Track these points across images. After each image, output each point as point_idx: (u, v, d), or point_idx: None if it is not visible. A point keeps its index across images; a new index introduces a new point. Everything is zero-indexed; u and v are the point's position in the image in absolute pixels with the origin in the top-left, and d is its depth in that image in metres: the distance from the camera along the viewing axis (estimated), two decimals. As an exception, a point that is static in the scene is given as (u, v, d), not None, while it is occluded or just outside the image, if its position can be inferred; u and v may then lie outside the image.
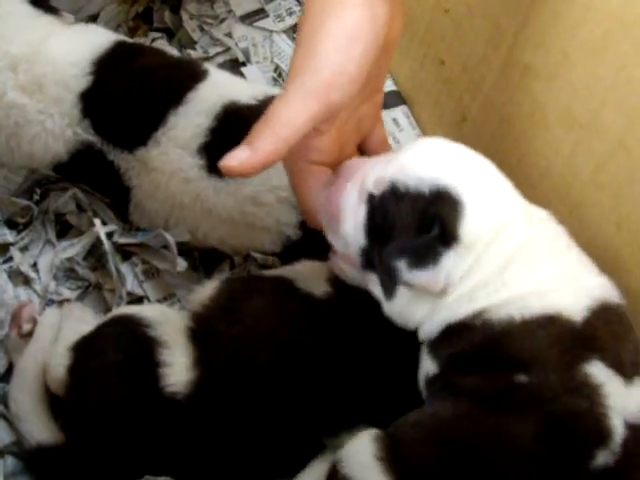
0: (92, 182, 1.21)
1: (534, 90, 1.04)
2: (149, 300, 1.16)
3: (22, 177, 1.22)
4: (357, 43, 0.82)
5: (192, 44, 1.37)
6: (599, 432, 0.80)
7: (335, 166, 0.92)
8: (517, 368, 0.82)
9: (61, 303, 1.14)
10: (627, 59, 0.90)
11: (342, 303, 0.98)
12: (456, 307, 0.86)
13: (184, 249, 1.15)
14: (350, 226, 0.89)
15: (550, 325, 0.83)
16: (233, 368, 0.95)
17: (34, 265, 1.19)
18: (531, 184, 0.99)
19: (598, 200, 0.95)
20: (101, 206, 1.21)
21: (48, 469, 1.02)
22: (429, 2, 1.20)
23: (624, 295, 0.88)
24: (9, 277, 1.18)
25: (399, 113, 1.30)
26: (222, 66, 1.35)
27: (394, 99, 1.31)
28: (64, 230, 1.22)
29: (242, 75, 1.34)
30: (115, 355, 0.97)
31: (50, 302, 1.16)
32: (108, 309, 1.14)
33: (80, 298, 1.17)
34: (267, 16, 1.40)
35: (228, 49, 1.37)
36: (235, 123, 1.12)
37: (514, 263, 0.85)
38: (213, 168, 1.11)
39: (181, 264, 1.13)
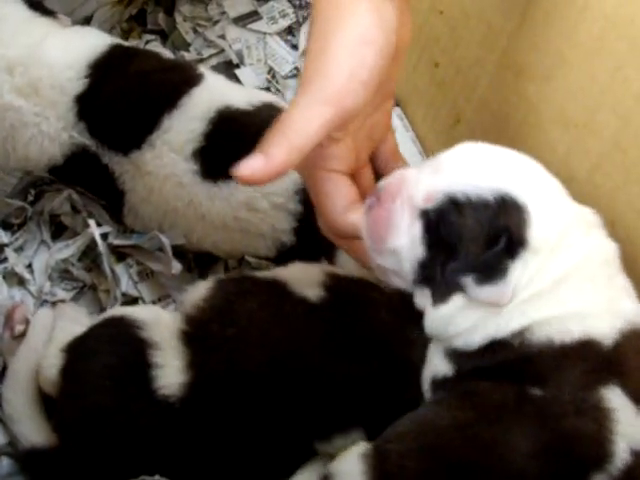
0: (87, 185, 1.21)
1: (529, 91, 1.04)
2: (144, 301, 1.16)
3: (17, 178, 1.22)
4: (369, 48, 0.81)
5: (186, 46, 1.37)
6: (599, 455, 0.80)
7: (352, 174, 0.91)
8: (534, 381, 0.82)
9: (55, 304, 1.14)
10: (623, 60, 0.91)
11: (335, 306, 0.98)
12: (506, 321, 0.84)
13: (179, 251, 1.15)
14: (404, 243, 0.85)
15: (582, 349, 0.83)
16: (226, 371, 0.95)
17: (29, 266, 1.19)
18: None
19: (594, 199, 0.95)
20: (96, 207, 1.21)
21: (42, 471, 1.02)
22: (423, 4, 1.20)
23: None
24: (4, 278, 1.18)
25: (393, 115, 1.29)
26: (216, 68, 1.35)
27: (388, 101, 1.31)
28: (59, 231, 1.22)
29: (236, 77, 1.35)
30: (107, 357, 0.97)
31: (45, 303, 1.16)
32: (103, 310, 1.14)
33: (75, 299, 1.17)
34: (260, 18, 1.40)
35: (222, 51, 1.37)
36: (229, 128, 1.12)
37: (571, 280, 0.84)
38: (207, 173, 1.12)
39: (176, 267, 1.14)
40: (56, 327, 1.07)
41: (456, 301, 0.85)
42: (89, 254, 1.19)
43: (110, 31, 1.34)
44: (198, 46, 1.37)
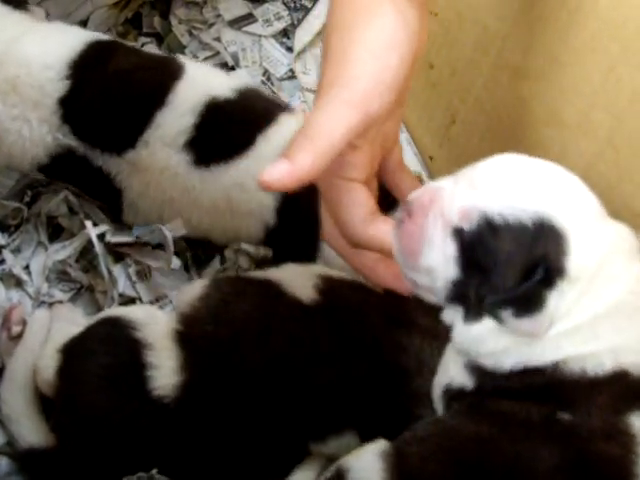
0: (81, 185, 1.21)
1: (523, 92, 1.05)
2: (141, 301, 1.16)
3: (13, 180, 1.22)
4: (393, 51, 0.79)
5: (181, 49, 1.38)
6: (625, 476, 0.80)
7: (367, 182, 0.87)
8: (564, 406, 0.81)
9: (53, 305, 1.14)
10: (615, 60, 0.91)
11: (327, 309, 0.98)
12: (541, 352, 0.81)
13: (176, 250, 1.16)
14: (437, 261, 0.81)
15: (613, 379, 0.81)
16: (220, 372, 0.95)
17: (26, 267, 1.19)
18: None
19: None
20: (92, 208, 1.22)
21: (40, 471, 1.02)
22: (418, 5, 1.20)
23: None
24: (1, 280, 1.18)
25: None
26: (211, 70, 1.36)
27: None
28: (56, 232, 1.22)
29: (231, 79, 1.35)
30: (103, 357, 0.97)
31: (42, 304, 1.16)
32: (100, 310, 1.14)
33: (72, 300, 1.17)
34: (256, 21, 1.41)
35: (217, 53, 1.38)
36: (217, 117, 1.15)
37: (609, 317, 0.80)
38: (200, 161, 1.15)
39: (175, 262, 1.14)
40: (53, 328, 1.07)
41: (489, 322, 0.82)
42: (86, 255, 1.19)
43: (106, 34, 1.34)
44: (193, 48, 1.38)
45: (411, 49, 0.81)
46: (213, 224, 1.17)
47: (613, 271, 0.80)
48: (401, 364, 0.95)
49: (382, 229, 0.84)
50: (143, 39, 1.37)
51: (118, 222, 1.21)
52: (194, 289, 1.01)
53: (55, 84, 1.14)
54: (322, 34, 1.37)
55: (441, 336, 0.94)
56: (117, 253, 1.19)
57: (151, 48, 1.36)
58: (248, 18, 1.41)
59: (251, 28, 1.41)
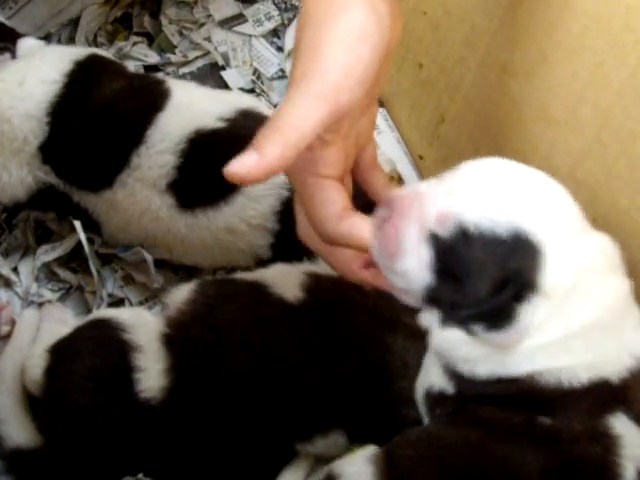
0: (62, 215, 1.20)
1: (511, 89, 1.05)
2: (130, 302, 1.16)
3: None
4: (365, 44, 0.78)
5: (172, 48, 1.37)
6: (609, 477, 0.80)
7: (341, 179, 0.86)
8: (543, 411, 0.82)
9: (42, 305, 1.14)
10: (603, 57, 0.91)
11: (314, 309, 0.98)
12: (514, 363, 0.81)
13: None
14: (412, 265, 0.80)
15: (592, 389, 0.81)
16: (206, 375, 0.95)
17: (15, 269, 1.19)
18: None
19: (576, 196, 0.95)
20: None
21: (27, 471, 1.02)
22: (407, 4, 1.20)
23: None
24: (-11, 280, 1.18)
25: (377, 116, 1.30)
26: (201, 70, 1.36)
27: (373, 102, 1.32)
28: (45, 236, 1.22)
29: (222, 79, 1.35)
30: (91, 359, 0.98)
31: (32, 304, 1.16)
32: (89, 311, 1.14)
33: (61, 300, 1.17)
34: (246, 21, 1.41)
35: (207, 53, 1.37)
36: (202, 156, 1.10)
37: (585, 333, 0.80)
38: (183, 206, 1.10)
39: (158, 280, 1.14)
40: (42, 328, 1.07)
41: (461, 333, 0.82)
42: (75, 257, 1.19)
43: (97, 32, 1.34)
44: (184, 48, 1.38)
45: (383, 42, 0.80)
46: (198, 258, 1.15)
47: (589, 289, 0.80)
48: (386, 363, 0.95)
49: (356, 225, 0.83)
50: (134, 38, 1.37)
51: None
52: (181, 293, 1.01)
53: (37, 132, 1.12)
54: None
55: (424, 337, 0.95)
56: (105, 256, 1.19)
57: (142, 48, 1.36)
58: (238, 18, 1.41)
59: (241, 28, 1.40)
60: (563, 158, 0.98)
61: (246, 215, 1.11)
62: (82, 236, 1.13)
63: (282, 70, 1.37)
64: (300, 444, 0.97)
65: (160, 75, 1.31)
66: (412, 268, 0.80)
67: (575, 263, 0.79)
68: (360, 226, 0.83)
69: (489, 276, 0.77)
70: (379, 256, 0.82)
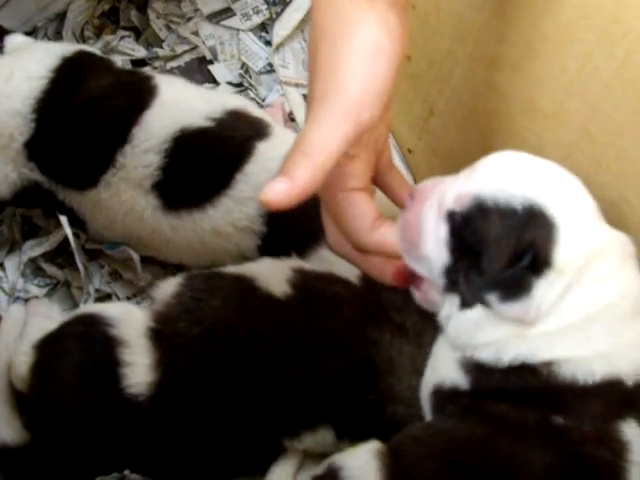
0: (47, 212, 1.19)
1: (499, 83, 1.04)
2: (117, 297, 1.15)
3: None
4: (380, 58, 0.79)
5: (159, 42, 1.37)
6: None
7: (370, 189, 0.88)
8: (557, 410, 0.82)
9: (29, 300, 1.14)
10: (591, 49, 0.91)
11: (300, 304, 0.98)
12: (535, 347, 0.82)
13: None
14: (431, 246, 0.83)
15: (606, 389, 0.82)
16: (193, 369, 0.95)
17: (1, 264, 1.18)
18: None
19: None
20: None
21: (13, 468, 1.01)
22: (395, -2, 1.20)
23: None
24: (-25, 276, 1.17)
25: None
26: (189, 64, 1.36)
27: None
28: (32, 231, 1.21)
29: (209, 73, 1.35)
30: (78, 354, 0.97)
31: (18, 300, 1.15)
32: (76, 306, 1.14)
33: (48, 295, 1.17)
34: (234, 15, 1.40)
35: (195, 47, 1.37)
36: (188, 157, 1.09)
37: (602, 318, 0.81)
38: (168, 207, 1.09)
39: (145, 278, 1.14)
40: (28, 323, 1.07)
41: (482, 310, 0.82)
42: (62, 252, 1.18)
43: (84, 27, 1.33)
44: (171, 42, 1.37)
45: (396, 54, 0.81)
46: (184, 259, 1.15)
47: (604, 271, 0.81)
48: (372, 360, 0.95)
49: (387, 234, 0.84)
50: (122, 32, 1.36)
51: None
52: (168, 287, 1.01)
53: (22, 129, 1.10)
54: (300, 30, 1.37)
55: (409, 334, 0.95)
56: (91, 251, 1.19)
57: (129, 42, 1.35)
58: (226, 12, 1.41)
59: (229, 22, 1.40)
60: (551, 151, 0.98)
61: (232, 218, 1.10)
62: (68, 231, 1.12)
63: (270, 64, 1.37)
64: (288, 440, 0.96)
65: (147, 70, 1.30)
66: (431, 249, 0.82)
67: (588, 243, 0.80)
68: (392, 234, 0.84)
69: (505, 247, 0.79)
70: (402, 246, 0.84)
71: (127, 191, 1.09)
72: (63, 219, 1.13)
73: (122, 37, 1.36)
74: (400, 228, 0.84)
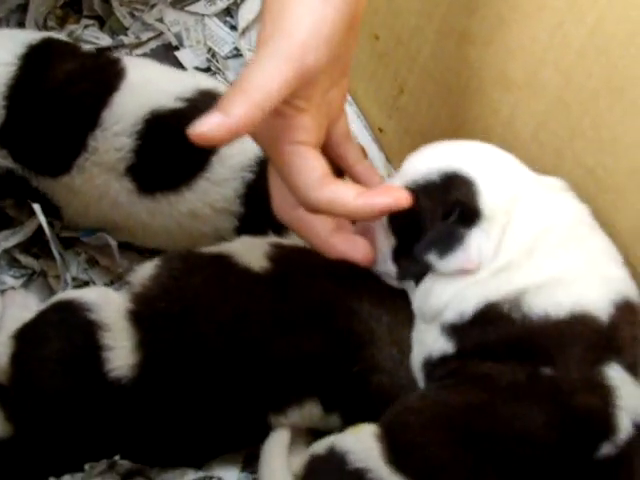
0: (21, 201, 1.17)
1: (470, 56, 1.05)
2: (95, 284, 1.15)
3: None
4: (330, 4, 0.79)
5: (124, 30, 1.35)
6: (607, 428, 0.82)
7: (317, 147, 0.86)
8: (544, 361, 0.83)
9: (5, 292, 1.12)
10: (562, 17, 0.92)
11: (280, 277, 0.98)
12: (494, 287, 0.86)
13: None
14: (381, 237, 0.92)
15: (580, 324, 0.84)
16: (174, 348, 0.94)
17: (-25, 256, 1.17)
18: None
19: (540, 158, 0.96)
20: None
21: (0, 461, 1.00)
22: (361, -24, 1.20)
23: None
24: (-51, 269, 1.15)
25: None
26: (155, 51, 1.34)
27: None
28: (4, 222, 1.19)
29: (176, 59, 1.34)
30: (57, 341, 0.96)
31: (-5, 291, 1.14)
32: (54, 295, 1.11)
33: (25, 286, 1.15)
34: (198, 0, 1.39)
35: (160, 34, 1.35)
36: (160, 138, 1.08)
37: (540, 246, 0.87)
38: (143, 190, 1.08)
39: (122, 264, 1.13)
40: (5, 315, 1.05)
41: (432, 277, 0.89)
42: (36, 242, 1.17)
43: (47, 17, 1.32)
44: (136, 30, 1.35)
45: (348, 5, 0.81)
46: (162, 243, 1.13)
47: (531, 206, 0.88)
48: (354, 330, 0.95)
49: (339, 191, 0.83)
50: (85, 21, 1.34)
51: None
52: (145, 269, 1.00)
53: None
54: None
55: (386, 304, 0.95)
56: (67, 239, 1.17)
57: (93, 31, 1.33)
58: (190, -3, 1.40)
59: (194, 7, 1.38)
60: (526, 121, 0.99)
61: (210, 199, 1.09)
62: (42, 219, 1.11)
63: (237, 49, 1.36)
64: (274, 416, 0.96)
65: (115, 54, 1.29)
66: (381, 240, 0.92)
67: (509, 188, 0.89)
68: (343, 192, 0.84)
69: (435, 213, 0.88)
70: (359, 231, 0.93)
71: (100, 175, 1.08)
72: (37, 207, 1.11)
73: (86, 26, 1.34)
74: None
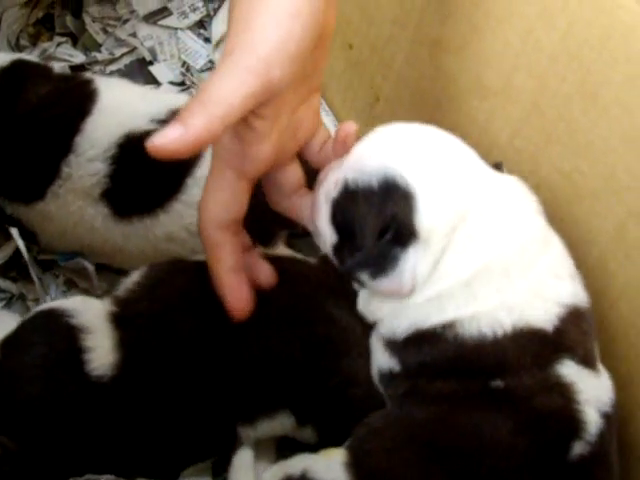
0: None
1: (444, 63, 1.05)
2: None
3: None
4: (297, 21, 0.77)
5: (97, 47, 1.35)
6: (574, 425, 0.81)
7: (254, 180, 0.88)
8: (492, 375, 0.82)
9: (-16, 317, 1.11)
10: (533, 23, 0.92)
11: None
12: (425, 313, 0.83)
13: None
14: (323, 227, 0.87)
15: (521, 337, 0.82)
16: (153, 347, 0.94)
17: (-47, 282, 1.16)
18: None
19: (517, 164, 0.96)
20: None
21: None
22: (333, -14, 1.19)
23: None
24: None
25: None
26: (129, 67, 1.34)
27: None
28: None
29: (150, 74, 1.33)
30: (40, 347, 0.95)
31: (-26, 317, 1.13)
32: (33, 317, 1.11)
33: (4, 310, 1.14)
34: (171, 14, 1.39)
35: (134, 49, 1.35)
36: (134, 162, 1.06)
37: (481, 276, 0.82)
38: (119, 215, 1.07)
39: (101, 286, 1.12)
40: None
41: (367, 292, 0.88)
42: (14, 265, 1.16)
43: (19, 35, 1.31)
44: (109, 46, 1.35)
45: (315, 22, 0.79)
46: (139, 265, 1.11)
47: (472, 232, 0.82)
48: (332, 339, 0.94)
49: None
50: (58, 39, 1.34)
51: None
52: (131, 278, 1.00)
53: None
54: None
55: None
56: (45, 262, 1.17)
57: (66, 48, 1.33)
58: (163, 12, 1.39)
59: (166, 21, 1.38)
60: (502, 127, 0.98)
61: (185, 222, 1.07)
62: (20, 243, 1.10)
63: (211, 61, 1.36)
64: (243, 426, 0.95)
65: (88, 75, 1.28)
66: (323, 230, 0.87)
67: (452, 206, 0.81)
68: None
69: (372, 224, 0.81)
70: (307, 218, 0.90)
71: (75, 201, 1.07)
72: (14, 231, 1.10)
73: (59, 43, 1.33)
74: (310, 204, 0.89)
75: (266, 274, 0.92)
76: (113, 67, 1.34)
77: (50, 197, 1.07)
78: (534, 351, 0.82)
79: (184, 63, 1.35)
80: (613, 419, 0.84)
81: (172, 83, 1.33)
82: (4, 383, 0.96)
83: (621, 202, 0.87)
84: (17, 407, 0.95)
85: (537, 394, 0.81)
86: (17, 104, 1.08)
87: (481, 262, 0.82)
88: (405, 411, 0.86)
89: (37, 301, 1.13)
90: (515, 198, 0.86)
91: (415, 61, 1.10)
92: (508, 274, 0.82)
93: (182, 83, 1.34)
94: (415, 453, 0.82)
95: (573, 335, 0.83)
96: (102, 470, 0.94)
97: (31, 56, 1.24)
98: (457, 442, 0.82)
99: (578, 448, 0.80)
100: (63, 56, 1.32)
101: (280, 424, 0.95)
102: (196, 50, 1.36)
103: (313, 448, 0.93)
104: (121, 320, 0.95)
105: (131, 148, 1.06)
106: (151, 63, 1.35)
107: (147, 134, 1.01)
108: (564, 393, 0.81)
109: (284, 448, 1.00)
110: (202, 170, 1.06)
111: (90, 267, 1.12)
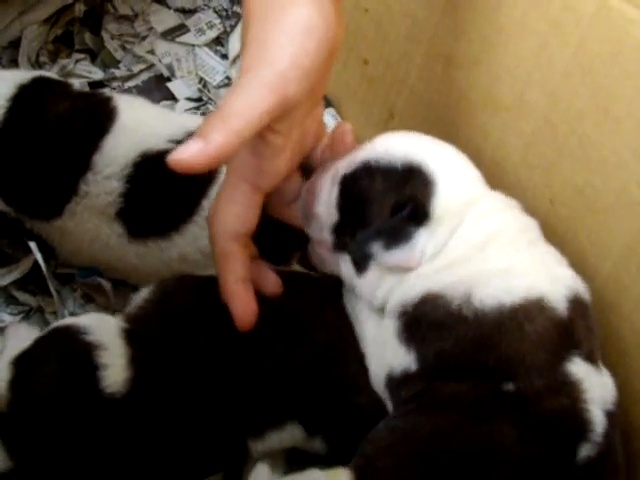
0: (15, 240, 1.17)
1: (458, 79, 1.05)
2: (93, 318, 1.14)
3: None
4: (311, 37, 0.80)
5: (115, 63, 1.36)
6: (581, 425, 0.81)
7: (265, 191, 0.90)
8: (505, 377, 0.82)
9: (5, 328, 1.12)
10: (545, 39, 0.92)
11: (268, 300, 0.98)
12: (436, 276, 0.86)
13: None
14: (323, 206, 0.91)
15: (539, 317, 0.83)
16: (164, 362, 0.94)
17: (-28, 296, 1.17)
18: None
19: (530, 179, 0.97)
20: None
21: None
22: (348, 2, 1.21)
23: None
24: (-53, 307, 1.16)
25: (327, 116, 1.31)
26: (147, 83, 1.35)
27: (321, 103, 1.32)
28: (1, 260, 1.19)
29: (168, 90, 1.35)
30: (55, 364, 0.95)
31: (-7, 329, 1.14)
32: (52, 330, 1.12)
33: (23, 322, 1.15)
34: (188, 31, 1.40)
35: (152, 65, 1.37)
36: (151, 182, 1.07)
37: (491, 244, 0.86)
38: (133, 235, 1.08)
39: (118, 303, 1.12)
40: (7, 346, 1.05)
41: (375, 268, 0.88)
42: (33, 279, 1.17)
43: (39, 52, 1.33)
44: (128, 62, 1.37)
45: (328, 38, 0.82)
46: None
47: (485, 212, 0.88)
48: (333, 346, 0.95)
49: None
50: (77, 55, 1.35)
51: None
52: (141, 294, 1.01)
53: None
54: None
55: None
56: (63, 276, 1.18)
57: (85, 65, 1.35)
58: (180, 29, 1.41)
59: (184, 38, 1.40)
60: (515, 143, 0.99)
61: (199, 244, 1.08)
62: (39, 257, 1.11)
63: (228, 77, 1.37)
64: (253, 440, 0.96)
65: (107, 91, 1.29)
66: (323, 209, 0.91)
67: (466, 193, 0.88)
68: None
69: (387, 201, 0.87)
70: (301, 212, 0.93)
71: (91, 219, 1.08)
72: (33, 245, 1.11)
73: (78, 60, 1.35)
74: (302, 194, 0.93)
75: (272, 284, 0.94)
76: (131, 83, 1.35)
77: (67, 214, 1.08)
78: (549, 345, 0.82)
79: (201, 79, 1.36)
80: (616, 418, 0.84)
81: (189, 99, 1.34)
82: (18, 398, 0.96)
83: (633, 216, 0.88)
84: (31, 422, 0.96)
85: (546, 396, 0.81)
86: (36, 121, 1.09)
87: (489, 234, 0.87)
88: (410, 424, 0.86)
89: (55, 314, 1.14)
90: (515, 204, 0.91)
91: (429, 77, 1.11)
92: (514, 244, 0.87)
93: (199, 99, 1.35)
94: (423, 469, 0.83)
95: (580, 330, 0.84)
96: None
97: (50, 72, 1.26)
98: (465, 453, 0.82)
99: (585, 450, 0.81)
100: (82, 72, 1.34)
101: (290, 435, 0.96)
102: (213, 66, 1.38)
103: (323, 459, 0.93)
104: (132, 336, 0.96)
105: (147, 167, 1.07)
106: (169, 79, 1.36)
107: (163, 154, 1.03)
108: (572, 393, 0.82)
109: (293, 461, 1.00)
110: (216, 190, 1.06)
111: (107, 285, 1.13)
